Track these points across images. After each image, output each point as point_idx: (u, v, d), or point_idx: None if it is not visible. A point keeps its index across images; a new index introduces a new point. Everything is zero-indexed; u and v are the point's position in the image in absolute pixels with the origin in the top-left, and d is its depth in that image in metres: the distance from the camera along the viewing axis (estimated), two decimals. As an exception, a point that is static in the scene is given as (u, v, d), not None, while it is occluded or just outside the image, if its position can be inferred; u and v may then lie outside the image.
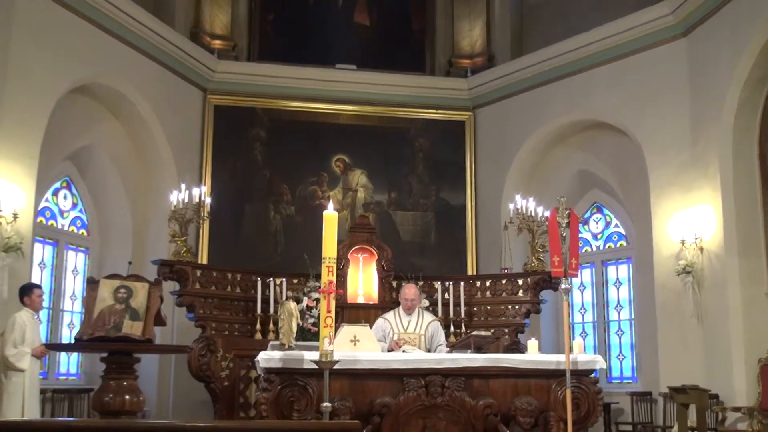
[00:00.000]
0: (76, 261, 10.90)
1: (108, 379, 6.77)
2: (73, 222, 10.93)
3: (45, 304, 9.44)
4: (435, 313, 9.84)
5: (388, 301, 9.99)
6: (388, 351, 7.45)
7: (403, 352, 7.25)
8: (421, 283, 10.31)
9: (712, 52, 9.97)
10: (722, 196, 9.61)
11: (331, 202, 6.11)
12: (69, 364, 10.62)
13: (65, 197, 10.85)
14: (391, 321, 7.89)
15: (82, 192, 11.05)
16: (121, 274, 7.19)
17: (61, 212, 10.76)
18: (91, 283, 6.98)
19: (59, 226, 10.67)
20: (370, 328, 7.39)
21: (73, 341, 7.26)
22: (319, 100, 12.39)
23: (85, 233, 11.09)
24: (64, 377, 10.49)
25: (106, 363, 6.88)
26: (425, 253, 12.29)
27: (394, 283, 10.25)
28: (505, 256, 11.09)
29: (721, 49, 9.78)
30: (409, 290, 7.92)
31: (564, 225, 6.69)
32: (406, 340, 7.64)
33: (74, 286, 10.80)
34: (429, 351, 7.72)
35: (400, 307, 7.96)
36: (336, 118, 12.48)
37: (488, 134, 12.65)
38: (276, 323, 9.08)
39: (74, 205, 10.99)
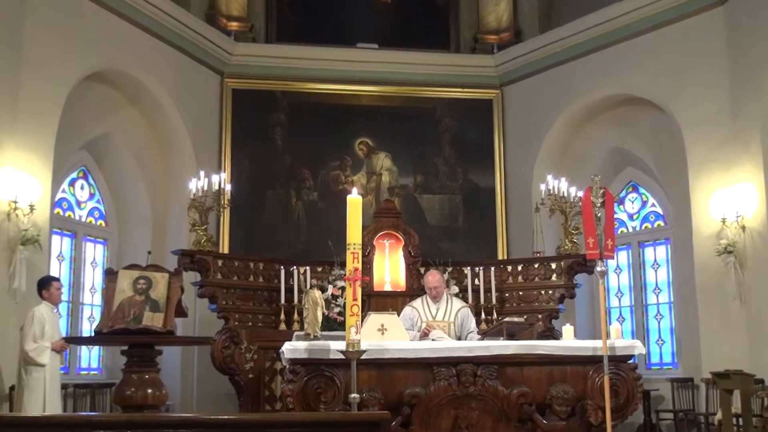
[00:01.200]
0: (94, 252, 11.00)
1: (129, 372, 6.83)
2: (90, 213, 11.01)
3: (64, 297, 9.55)
4: (465, 299, 9.81)
5: (416, 289, 9.99)
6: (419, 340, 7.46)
7: (433, 340, 7.25)
8: (450, 269, 10.31)
9: (751, 21, 9.81)
10: (765, 173, 9.47)
11: (354, 186, 6.10)
12: (90, 358, 10.73)
13: (82, 187, 10.94)
14: (419, 309, 7.89)
15: (99, 182, 11.13)
16: (140, 264, 7.25)
17: (79, 203, 10.85)
18: (110, 275, 7.04)
19: (77, 218, 10.77)
20: (398, 316, 7.39)
21: (93, 334, 7.33)
22: (340, 81, 12.37)
23: (104, 224, 11.18)
24: (86, 372, 10.61)
25: (127, 356, 6.95)
26: (453, 237, 12.27)
27: (422, 270, 10.23)
28: (537, 240, 11.04)
29: (760, 18, 9.62)
30: (432, 277, 7.91)
31: (598, 205, 6.64)
32: (434, 326, 7.64)
33: (93, 278, 10.90)
34: (459, 339, 7.71)
35: (427, 295, 7.96)
36: (358, 99, 12.46)
37: (517, 112, 12.58)
38: (300, 313, 9.11)
39: (91, 196, 11.07)
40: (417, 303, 8.03)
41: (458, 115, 12.62)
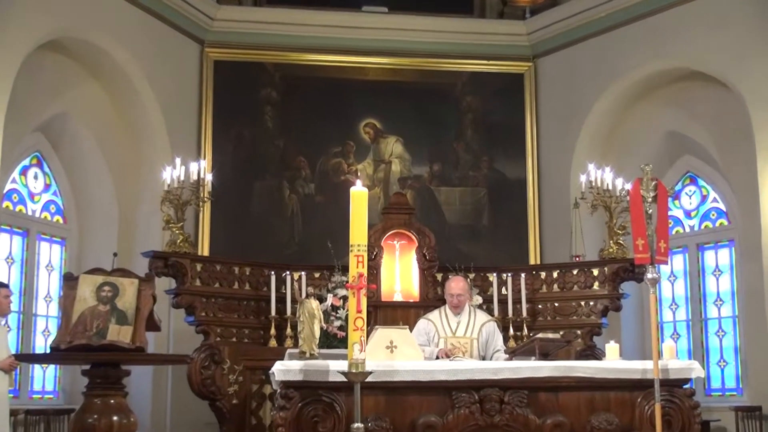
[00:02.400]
0: (50, 254, 11.04)
1: (91, 396, 6.86)
2: (45, 207, 11.05)
3: (14, 306, 9.57)
4: (490, 312, 9.83)
5: (431, 299, 9.99)
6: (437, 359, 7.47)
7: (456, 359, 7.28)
8: (472, 275, 10.31)
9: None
10: None
11: (359, 177, 6.11)
12: (44, 379, 10.78)
13: (36, 177, 10.98)
14: (435, 322, 7.91)
15: (55, 170, 11.17)
16: (104, 268, 7.28)
17: (32, 195, 10.89)
18: (69, 280, 7.07)
19: (29, 212, 10.81)
20: (410, 331, 7.40)
21: (48, 351, 7.36)
22: (343, 52, 12.38)
23: (61, 220, 11.22)
24: (39, 395, 10.65)
25: (89, 377, 6.98)
26: (477, 238, 12.27)
27: (439, 276, 10.25)
28: (576, 241, 11.02)
29: None
30: (456, 283, 7.93)
31: (650, 200, 6.64)
32: (456, 346, 7.65)
33: (49, 284, 10.94)
34: (484, 359, 7.72)
35: (447, 306, 7.97)
36: (364, 73, 12.46)
37: (553, 89, 12.55)
38: (294, 327, 9.11)
39: (47, 187, 11.11)
40: (434, 315, 8.05)
41: (483, 92, 12.61)
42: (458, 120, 12.59)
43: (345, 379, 5.57)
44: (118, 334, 6.78)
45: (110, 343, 6.78)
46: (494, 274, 10.30)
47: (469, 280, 10.20)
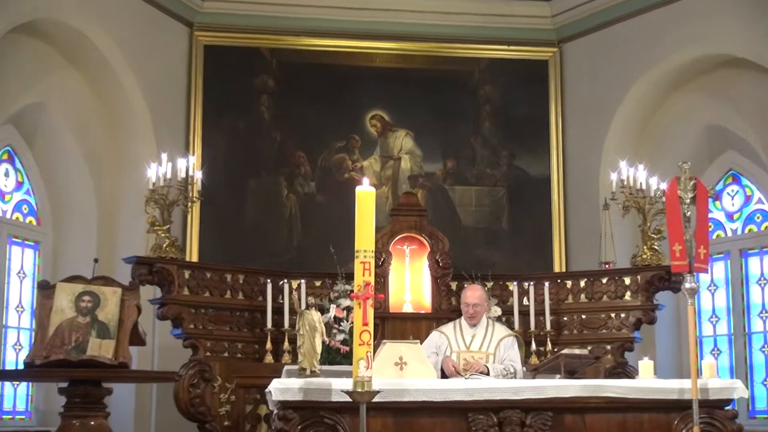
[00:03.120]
0: (22, 259, 11.05)
1: (69, 417, 6.89)
2: (17, 207, 11.07)
3: (-17, 317, 9.59)
4: (509, 325, 9.84)
5: (444, 310, 10.01)
6: (441, 373, 7.48)
7: (466, 378, 7.28)
8: (490, 284, 10.32)
9: None
10: None
11: (365, 174, 6.13)
12: (16, 398, 10.79)
13: (6, 174, 11.00)
14: (449, 335, 7.93)
15: (28, 166, 11.18)
16: (84, 276, 7.30)
17: (2, 194, 10.92)
18: (45, 289, 7.09)
19: None
20: (422, 346, 7.42)
21: (21, 367, 7.39)
22: (347, 36, 12.39)
23: (34, 222, 11.24)
24: (10, 416, 10.66)
25: (67, 396, 7.00)
26: (495, 242, 12.27)
27: (453, 285, 10.25)
28: (606, 246, 11.02)
29: None
30: (473, 292, 7.97)
31: (688, 201, 6.65)
32: (470, 362, 7.66)
33: (21, 293, 10.95)
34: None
35: (462, 317, 7.99)
36: (371, 59, 12.47)
37: (580, 77, 12.55)
38: (293, 341, 9.14)
39: (19, 185, 11.13)
40: (447, 328, 8.08)
41: (503, 80, 12.62)
42: (475, 112, 12.59)
43: (349, 399, 5.58)
44: (99, 349, 6.81)
45: (90, 358, 6.81)
46: (515, 283, 10.30)
47: (487, 289, 10.22)
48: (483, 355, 7.78)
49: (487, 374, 7.59)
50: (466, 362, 7.73)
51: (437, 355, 7.86)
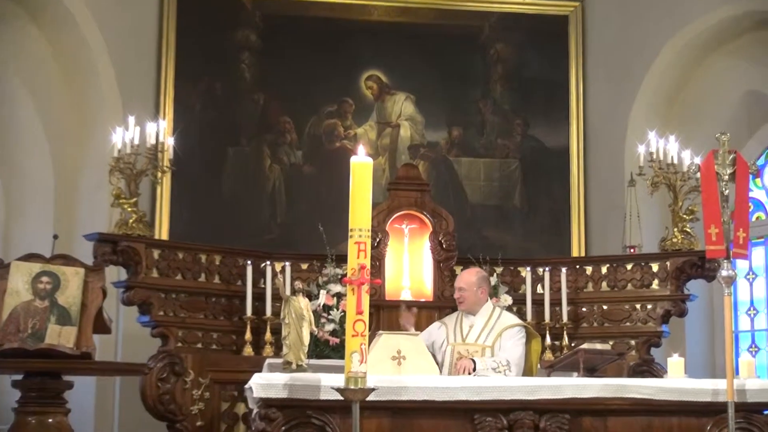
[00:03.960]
0: (-30, 236, 11.04)
1: (24, 413, 6.91)
2: (-36, 176, 11.06)
3: (-75, 301, 9.58)
4: (521, 316, 9.85)
5: (448, 297, 10.00)
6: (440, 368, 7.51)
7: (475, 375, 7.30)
8: (499, 269, 10.37)
9: None
10: None
11: (360, 143, 6.14)
12: (-38, 392, 10.81)
13: (-47, 138, 10.98)
14: (449, 326, 7.94)
15: (-23, 131, 11.18)
16: (42, 254, 7.30)
17: (-53, 161, 10.91)
18: (-3, 269, 7.09)
19: (-56, 183, 10.82)
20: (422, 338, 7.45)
21: (-31, 357, 7.39)
22: (341, -15, 12.38)
23: (-16, 193, 11.23)
24: (-44, 412, 10.69)
25: (22, 389, 7.02)
26: (506, 222, 12.28)
27: (458, 270, 10.26)
28: (632, 228, 11.03)
29: None
30: (461, 275, 8.02)
31: (726, 178, 6.65)
32: (463, 355, 7.65)
33: (-32, 273, 10.95)
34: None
35: (463, 303, 8.04)
36: (367, 12, 12.44)
37: (604, 36, 12.52)
38: (277, 331, 9.16)
39: (-34, 151, 11.12)
40: (450, 319, 8.10)
41: (516, 38, 12.59)
42: (485, 73, 12.57)
43: (341, 398, 5.60)
44: (58, 337, 6.81)
45: (49, 347, 6.81)
46: (527, 269, 10.33)
47: (495, 274, 10.26)
48: (478, 348, 7.75)
49: (473, 369, 7.51)
50: (459, 356, 7.72)
51: (433, 350, 7.83)
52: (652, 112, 12.09)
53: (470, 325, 7.88)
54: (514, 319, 8.13)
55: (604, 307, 10.42)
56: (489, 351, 7.72)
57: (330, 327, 9.71)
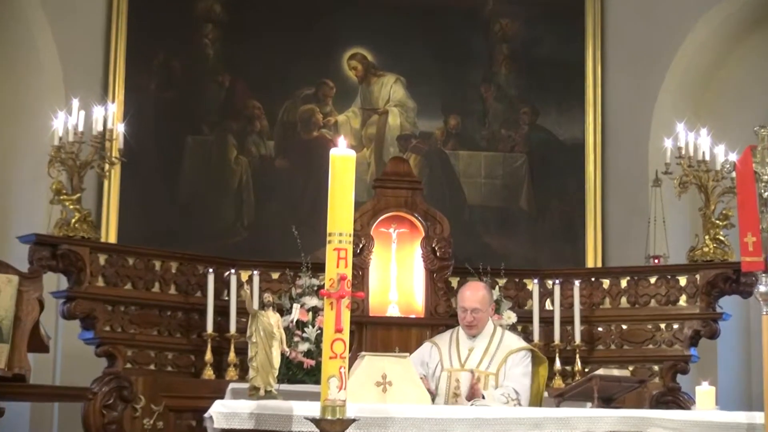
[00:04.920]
0: None
1: (-55, 445, 6.89)
2: None
3: None
4: (527, 336, 9.86)
5: (442, 314, 10.02)
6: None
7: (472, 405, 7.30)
8: (502, 281, 10.37)
9: None
10: None
11: (341, 133, 6.14)
12: None
13: None
14: (442, 348, 7.92)
15: None
16: (-33, 259, 7.29)
17: None
18: None
19: None
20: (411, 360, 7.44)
21: None
22: (321, -52, 12.39)
23: None
24: None
25: (-58, 417, 7.01)
26: (511, 227, 12.29)
27: (454, 282, 10.27)
28: (656, 235, 11.04)
29: None
30: (472, 292, 7.89)
31: (765, 178, 6.65)
32: (462, 383, 7.65)
33: None
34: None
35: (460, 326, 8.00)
36: (350, -18, 12.48)
37: (626, 11, 12.53)
38: (242, 351, 9.15)
39: None
40: (442, 338, 8.06)
41: (524, 13, 12.61)
42: (488, 53, 12.59)
43: (316, 430, 5.60)
44: (-15, 356, 6.82)
45: (-26, 368, 6.81)
46: (535, 281, 10.34)
47: (497, 287, 10.25)
48: (482, 375, 7.75)
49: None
50: (458, 384, 7.71)
51: (426, 377, 7.80)
52: (681, 101, 12.11)
53: (469, 348, 7.83)
54: (518, 342, 8.10)
55: (624, 327, 10.42)
56: (493, 379, 7.71)
57: (304, 347, 9.71)
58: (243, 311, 9.33)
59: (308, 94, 12.28)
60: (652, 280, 10.39)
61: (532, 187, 12.44)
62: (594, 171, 12.38)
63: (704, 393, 7.18)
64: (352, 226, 5.62)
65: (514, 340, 8.06)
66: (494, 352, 7.81)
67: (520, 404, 7.55)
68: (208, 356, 9.76)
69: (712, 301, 10.17)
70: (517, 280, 10.59)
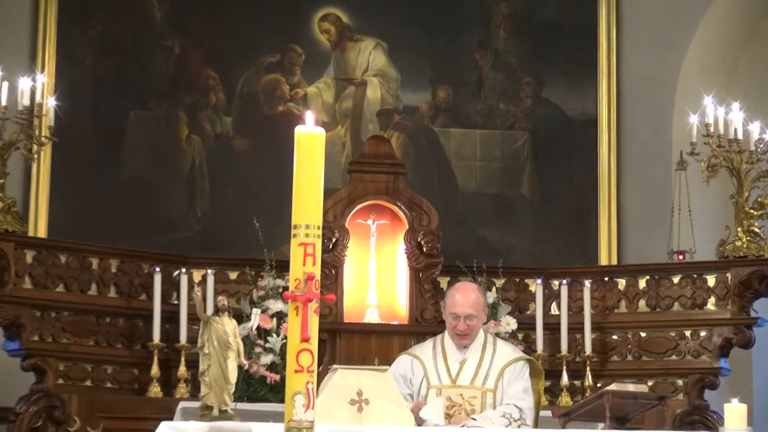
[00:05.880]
0: None
1: None
2: None
3: None
4: (528, 346, 9.88)
5: (429, 320, 10.04)
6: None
7: (463, 427, 7.31)
8: (500, 281, 10.38)
9: None
10: None
11: (310, 108, 6.14)
12: None
13: None
14: (425, 362, 7.91)
15: None
16: None
17: None
18: None
19: None
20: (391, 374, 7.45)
21: None
22: None
23: None
24: None
25: None
26: (511, 218, 12.31)
27: (444, 283, 10.29)
28: (680, 227, 11.07)
29: None
30: (465, 295, 7.83)
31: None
32: (457, 403, 7.66)
33: None
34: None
35: (447, 332, 7.98)
36: (321, -72, 12.48)
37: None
38: (194, 364, 9.14)
39: None
40: (423, 350, 8.02)
41: (526, -32, 12.66)
42: (484, 14, 12.60)
43: (279, 456, 5.62)
44: None
45: None
46: (538, 281, 10.38)
47: (494, 288, 10.27)
48: (477, 393, 7.74)
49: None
50: (452, 403, 7.70)
51: (411, 396, 7.79)
52: (710, 71, 12.14)
53: (460, 361, 7.79)
54: (513, 351, 8.07)
55: (642, 335, 10.45)
56: (491, 396, 7.70)
57: (267, 359, 9.72)
58: (195, 317, 9.30)
59: (272, 62, 12.28)
60: (676, 279, 10.41)
61: (536, 171, 12.46)
62: (608, 152, 12.39)
63: (735, 411, 7.20)
64: (321, 217, 5.61)
65: (509, 350, 8.04)
66: (489, 365, 7.78)
67: (525, 425, 7.55)
68: (155, 370, 9.77)
69: (746, 305, 10.19)
70: (517, 280, 10.61)
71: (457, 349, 7.82)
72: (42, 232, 11.26)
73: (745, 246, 10.12)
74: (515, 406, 7.60)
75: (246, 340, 9.25)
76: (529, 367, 7.92)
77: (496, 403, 7.64)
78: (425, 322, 10.02)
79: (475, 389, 7.68)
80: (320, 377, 6.26)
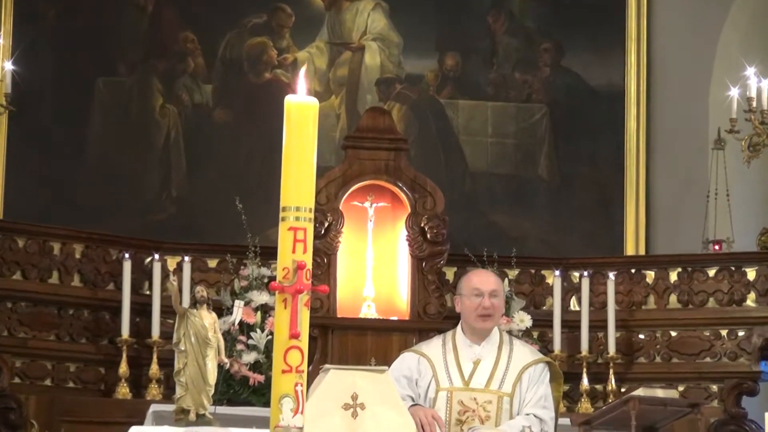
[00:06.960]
0: None
1: None
2: None
3: None
4: (545, 345, 9.91)
5: (433, 315, 10.06)
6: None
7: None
8: (513, 272, 10.40)
9: None
10: None
11: (302, 74, 6.14)
12: None
13: None
14: (434, 361, 7.92)
15: None
16: None
17: None
18: None
19: None
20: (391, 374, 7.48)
21: None
22: None
23: None
24: None
25: None
26: (526, 201, 12.33)
27: (450, 274, 10.31)
28: (717, 214, 11.09)
29: None
30: (484, 274, 7.86)
31: None
32: (470, 408, 7.67)
33: None
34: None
35: (459, 327, 7.97)
36: None
37: None
38: (168, 363, 9.18)
39: None
40: (431, 347, 8.01)
41: None
42: (496, -27, 12.65)
43: (263, 466, 5.64)
44: None
45: None
46: (556, 273, 10.41)
47: (507, 281, 10.28)
48: (493, 397, 7.74)
49: None
50: (463, 408, 7.71)
51: (412, 398, 7.79)
52: (753, 39, 12.16)
53: (474, 361, 7.75)
54: (532, 352, 8.03)
55: (673, 334, 10.48)
56: (507, 401, 7.68)
57: (250, 357, 9.75)
58: (169, 310, 9.34)
59: (258, 23, 12.29)
60: (711, 272, 10.44)
61: (555, 149, 12.48)
62: (636, 128, 12.40)
63: (777, 421, 7.24)
64: (314, 198, 5.63)
65: (528, 351, 8.01)
66: (506, 367, 7.74)
67: None
68: (123, 369, 9.80)
69: (791, 301, 10.24)
70: (533, 271, 10.65)
71: (468, 347, 7.75)
72: (-1, 212, 11.31)
73: (789, 236, 10.18)
74: (535, 416, 7.57)
75: (227, 335, 9.30)
76: (549, 369, 7.90)
77: (513, 410, 7.60)
78: (428, 317, 10.03)
79: (490, 393, 7.60)
80: (310, 378, 6.28)
